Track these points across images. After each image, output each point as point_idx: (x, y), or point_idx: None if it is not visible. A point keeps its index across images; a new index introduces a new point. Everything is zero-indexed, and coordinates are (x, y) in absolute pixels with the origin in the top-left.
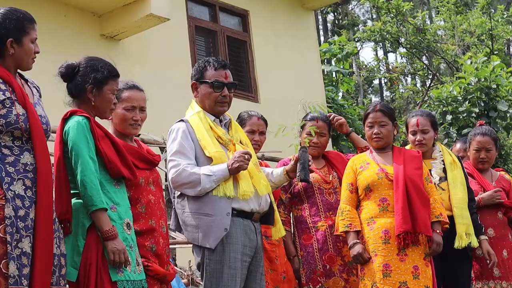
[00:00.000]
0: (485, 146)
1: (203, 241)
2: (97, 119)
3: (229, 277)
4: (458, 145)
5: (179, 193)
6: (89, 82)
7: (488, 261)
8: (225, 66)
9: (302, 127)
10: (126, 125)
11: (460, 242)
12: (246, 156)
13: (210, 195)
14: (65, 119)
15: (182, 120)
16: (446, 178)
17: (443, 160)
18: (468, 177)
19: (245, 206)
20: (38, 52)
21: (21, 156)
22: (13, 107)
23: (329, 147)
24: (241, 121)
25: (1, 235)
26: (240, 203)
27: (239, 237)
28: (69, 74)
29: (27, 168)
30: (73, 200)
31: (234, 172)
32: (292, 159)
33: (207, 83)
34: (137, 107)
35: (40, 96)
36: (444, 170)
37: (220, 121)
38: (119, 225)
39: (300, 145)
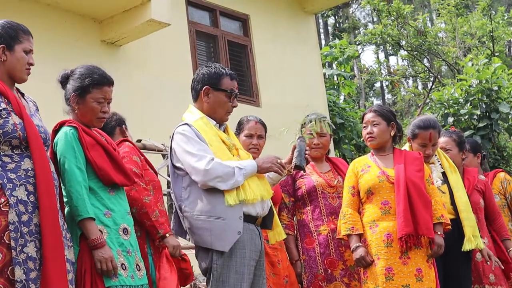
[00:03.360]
0: (443, 146)
1: (216, 244)
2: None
3: (235, 282)
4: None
5: (187, 195)
6: (72, 91)
7: (488, 263)
8: (236, 77)
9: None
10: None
11: (470, 245)
12: (278, 160)
13: (223, 198)
14: (55, 131)
15: (186, 124)
16: (444, 182)
17: (440, 164)
18: None
19: (251, 210)
20: (32, 64)
21: (22, 163)
22: (9, 117)
23: (331, 151)
24: (240, 125)
25: (7, 242)
26: (248, 207)
27: (246, 242)
28: (63, 83)
29: (28, 173)
30: (67, 209)
31: (262, 171)
32: None
33: (224, 92)
34: None
35: (37, 109)
36: (443, 174)
37: (219, 126)
38: (114, 231)
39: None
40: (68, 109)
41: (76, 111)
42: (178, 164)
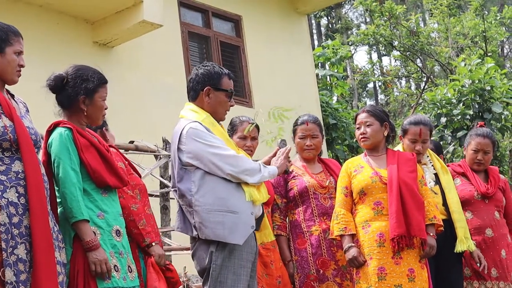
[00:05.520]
0: (484, 148)
1: (229, 238)
2: None
3: (233, 283)
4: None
5: (196, 189)
6: (81, 93)
7: (479, 265)
8: (233, 76)
9: (294, 132)
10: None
11: (462, 246)
12: (282, 152)
13: (237, 193)
14: (49, 131)
15: (196, 121)
16: (436, 183)
17: (433, 165)
18: (460, 177)
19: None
20: (23, 66)
21: (12, 165)
22: None
23: (324, 152)
24: (233, 127)
25: None
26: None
27: (244, 244)
28: (58, 86)
29: (19, 176)
30: (60, 209)
31: (281, 171)
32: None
33: (225, 92)
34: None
35: (27, 110)
36: (435, 175)
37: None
38: (107, 232)
39: (278, 138)
40: (59, 111)
41: (85, 113)
42: (187, 160)
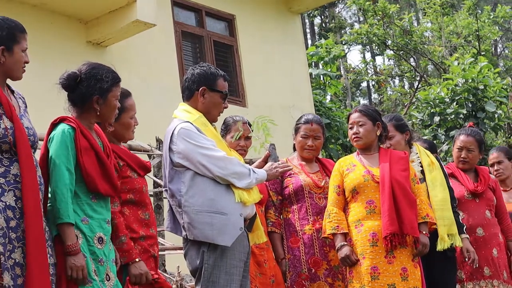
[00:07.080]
0: (467, 146)
1: (218, 239)
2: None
3: (225, 282)
4: (494, 153)
5: (186, 189)
6: (95, 93)
7: (466, 259)
8: (228, 78)
9: (297, 130)
10: (130, 132)
11: (442, 245)
12: (279, 164)
13: (226, 195)
14: (54, 125)
15: (188, 122)
16: (424, 179)
17: (420, 162)
18: (450, 177)
19: (243, 212)
20: (27, 62)
21: (11, 167)
22: (0, 121)
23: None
24: (226, 126)
25: None
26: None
27: (235, 243)
28: (72, 85)
29: (17, 179)
30: (49, 207)
31: (271, 179)
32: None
33: (220, 93)
34: (135, 113)
35: (26, 106)
36: (422, 172)
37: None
38: (88, 239)
39: (269, 143)
40: (68, 106)
41: (98, 113)
42: (178, 161)
